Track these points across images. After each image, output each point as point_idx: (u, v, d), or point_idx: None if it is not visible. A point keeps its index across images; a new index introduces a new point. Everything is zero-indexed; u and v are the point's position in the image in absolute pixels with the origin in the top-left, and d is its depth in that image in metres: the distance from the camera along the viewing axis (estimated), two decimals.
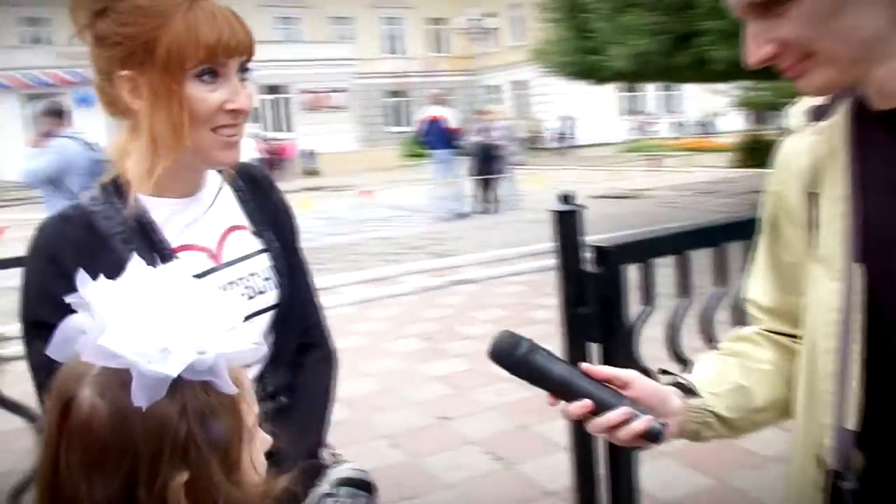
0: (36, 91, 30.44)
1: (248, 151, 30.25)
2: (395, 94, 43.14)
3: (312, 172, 31.55)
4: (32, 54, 31.46)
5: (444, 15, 44.58)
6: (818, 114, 1.08)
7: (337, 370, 1.60)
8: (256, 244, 1.44)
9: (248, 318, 1.37)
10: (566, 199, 2.57)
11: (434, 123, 13.44)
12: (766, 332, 1.26)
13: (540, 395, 1.13)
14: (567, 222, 2.51)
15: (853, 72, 0.94)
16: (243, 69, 1.30)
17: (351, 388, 5.32)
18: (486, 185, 14.18)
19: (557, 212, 2.51)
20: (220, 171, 1.45)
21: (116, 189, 1.32)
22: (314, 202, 17.59)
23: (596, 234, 9.05)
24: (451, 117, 13.50)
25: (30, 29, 35.31)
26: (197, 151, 1.28)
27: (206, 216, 1.39)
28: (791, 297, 1.17)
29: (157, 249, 1.30)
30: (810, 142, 1.09)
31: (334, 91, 36.86)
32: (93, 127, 24.35)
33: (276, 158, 30.92)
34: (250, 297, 1.39)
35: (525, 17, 36.09)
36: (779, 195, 1.15)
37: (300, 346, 1.52)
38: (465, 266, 9.33)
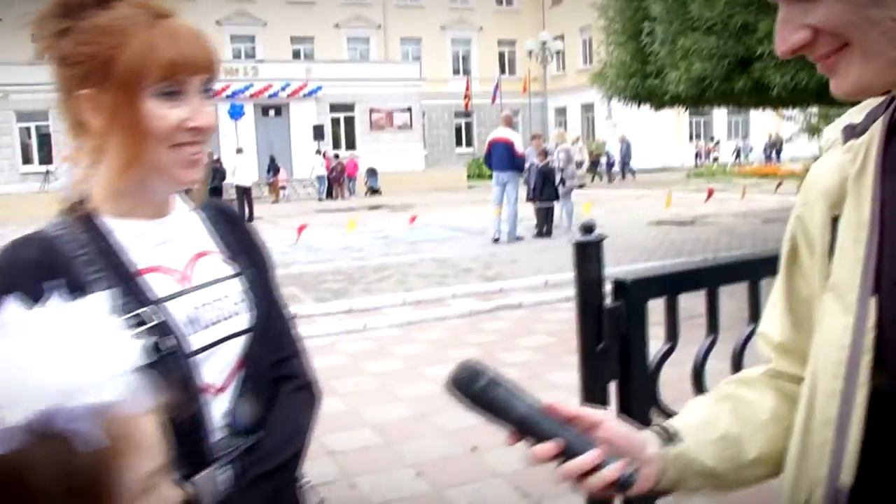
0: None
1: (316, 168, 30.82)
2: (462, 114, 43.32)
3: (375, 191, 31.80)
4: None
5: (513, 37, 44.73)
6: (853, 132, 0.96)
7: (316, 403, 1.52)
8: (228, 269, 1.40)
9: (220, 342, 1.32)
10: (588, 229, 2.44)
11: (498, 145, 13.34)
12: (773, 375, 1.14)
13: None
14: (588, 254, 2.38)
15: (892, 73, 0.82)
16: (206, 88, 1.27)
17: (383, 413, 5.25)
18: (543, 208, 14.02)
19: (578, 243, 2.38)
20: (186, 195, 1.42)
21: (81, 211, 1.29)
22: (370, 222, 17.71)
23: (654, 262, 8.93)
24: (517, 140, 13.39)
25: None
26: (157, 170, 1.25)
27: (175, 239, 1.35)
28: (805, 335, 1.04)
29: (120, 272, 1.25)
30: (839, 161, 0.97)
31: (401, 110, 37.16)
32: None
33: (341, 175, 31.31)
34: (225, 319, 1.34)
35: (594, 39, 35.93)
36: (801, 219, 1.03)
37: (276, 379, 1.45)
38: (514, 290, 9.20)
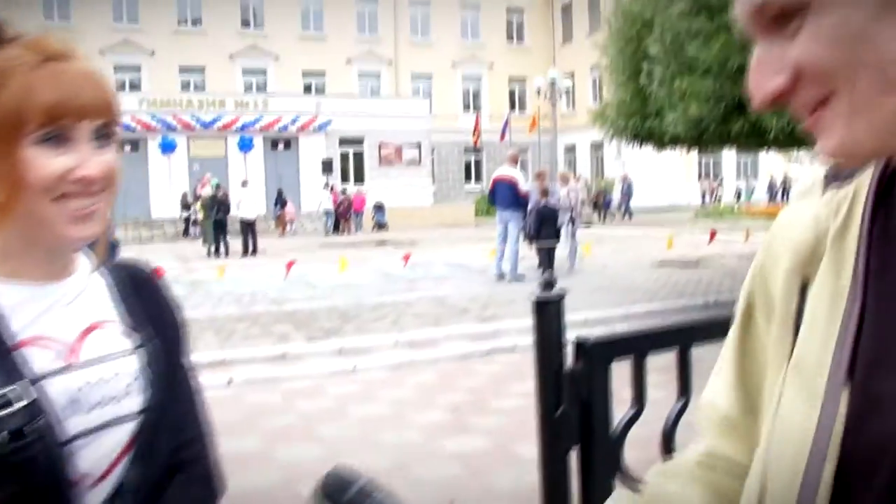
0: (118, 136, 31.67)
1: (324, 202, 30.86)
2: (471, 151, 43.44)
3: (382, 226, 31.78)
4: (121, 99, 32.69)
5: (523, 74, 44.95)
6: (835, 179, 0.80)
7: (215, 494, 1.34)
8: (126, 343, 1.24)
9: (103, 426, 1.16)
10: (547, 285, 2.31)
11: (502, 183, 13.31)
12: (709, 466, 0.95)
13: None
14: (547, 312, 2.24)
15: (888, 136, 0.65)
16: (102, 134, 1.14)
17: (361, 461, 5.06)
18: (544, 248, 13.87)
19: (537, 301, 2.24)
20: (88, 256, 1.28)
21: None
22: (374, 258, 17.58)
23: (655, 303, 8.75)
24: (520, 178, 13.33)
25: (122, 76, 36.97)
26: (41, 225, 1.11)
27: (68, 307, 1.19)
28: (755, 412, 0.87)
29: None
30: (816, 213, 0.80)
31: (410, 146, 37.28)
32: (175, 172, 25.12)
33: (348, 210, 31.35)
34: (112, 401, 1.19)
35: (604, 78, 36.14)
36: (762, 275, 0.87)
37: (172, 465, 1.28)
38: (509, 332, 9.02)
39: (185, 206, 29.37)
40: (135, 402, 1.21)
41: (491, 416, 6.04)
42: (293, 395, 6.85)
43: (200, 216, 23.23)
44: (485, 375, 7.39)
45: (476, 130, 40.34)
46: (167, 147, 32.56)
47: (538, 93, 36.03)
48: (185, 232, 29.30)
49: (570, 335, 2.11)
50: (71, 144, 1.10)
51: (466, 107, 45.25)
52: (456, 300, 11.45)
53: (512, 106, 45.54)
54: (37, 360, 1.12)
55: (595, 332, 2.40)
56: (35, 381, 1.09)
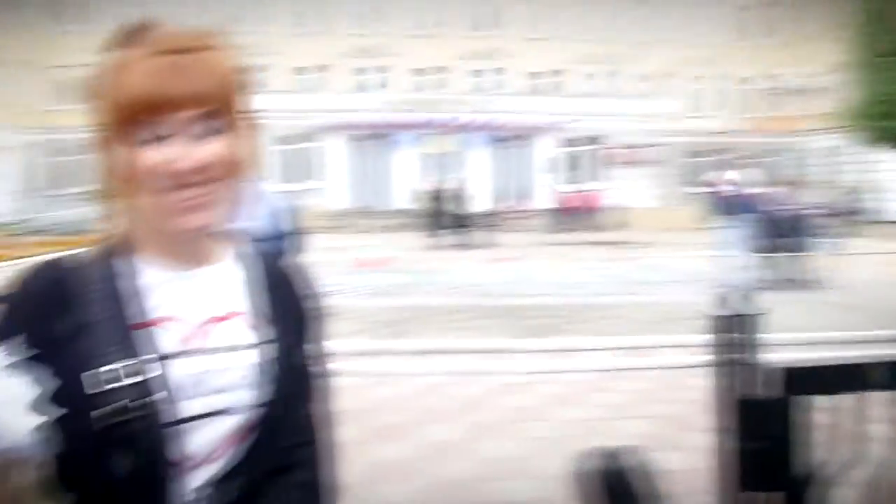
0: (360, 132, 33.79)
1: (551, 200, 30.97)
2: (703, 153, 41.68)
3: (609, 227, 31.32)
4: (362, 99, 34.90)
5: (753, 74, 42.56)
6: None
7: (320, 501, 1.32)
8: (250, 337, 1.25)
9: (211, 414, 1.17)
10: (740, 299, 2.08)
11: (725, 189, 12.79)
12: None
13: None
14: (729, 331, 2.02)
15: None
16: (209, 121, 1.12)
17: (553, 467, 4.93)
18: (778, 260, 12.98)
19: (716, 317, 2.03)
20: (238, 245, 1.32)
21: (116, 246, 1.21)
22: (597, 257, 17.27)
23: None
24: (745, 183, 12.70)
25: (364, 77, 39.40)
26: (159, 216, 1.15)
27: (201, 294, 1.23)
28: None
29: (123, 318, 1.14)
30: None
31: (640, 147, 36.62)
32: (410, 167, 26.54)
33: (575, 209, 31.24)
34: (225, 391, 1.19)
35: (841, 79, 33.32)
36: None
37: (279, 466, 1.27)
38: None
39: (418, 198, 30.57)
40: (247, 396, 1.21)
41: (697, 434, 5.69)
42: (498, 390, 6.83)
43: (430, 209, 24.05)
44: (698, 389, 6.97)
45: (709, 132, 38.78)
46: (404, 143, 34.25)
47: (770, 94, 33.94)
48: (416, 223, 30.46)
49: (798, 354, 1.86)
50: (168, 137, 1.11)
51: (698, 108, 43.43)
52: (675, 307, 11.00)
53: (741, 108, 43.21)
54: (161, 340, 1.15)
55: (835, 355, 2.13)
56: (154, 360, 1.12)
